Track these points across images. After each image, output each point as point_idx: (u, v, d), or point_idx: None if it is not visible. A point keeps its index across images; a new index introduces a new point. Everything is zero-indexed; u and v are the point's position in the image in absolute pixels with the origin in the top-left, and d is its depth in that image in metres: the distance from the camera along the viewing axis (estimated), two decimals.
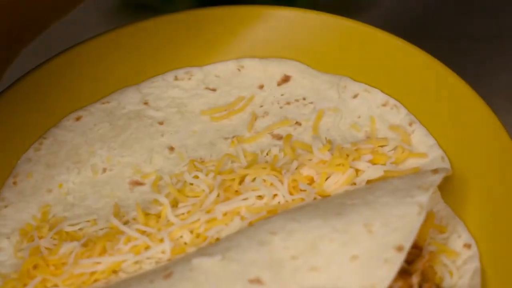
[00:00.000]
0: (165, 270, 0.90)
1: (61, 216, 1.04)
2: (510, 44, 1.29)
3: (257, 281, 0.87)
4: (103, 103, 1.15)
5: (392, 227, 0.88)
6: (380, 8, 1.35)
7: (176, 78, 1.17)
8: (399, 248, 0.86)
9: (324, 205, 0.94)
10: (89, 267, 0.94)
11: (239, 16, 1.18)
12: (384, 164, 1.02)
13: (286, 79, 1.16)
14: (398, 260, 0.86)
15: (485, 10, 1.35)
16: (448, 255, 0.95)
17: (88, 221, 1.02)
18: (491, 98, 1.09)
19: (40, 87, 1.13)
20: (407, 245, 0.87)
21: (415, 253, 0.92)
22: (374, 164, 1.02)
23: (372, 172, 1.01)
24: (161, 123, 1.13)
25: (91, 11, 1.21)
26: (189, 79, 1.17)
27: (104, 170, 1.08)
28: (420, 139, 1.06)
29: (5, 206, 1.05)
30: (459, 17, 1.35)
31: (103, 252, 0.95)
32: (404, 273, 0.88)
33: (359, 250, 0.87)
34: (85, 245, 0.97)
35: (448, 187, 1.00)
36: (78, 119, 1.13)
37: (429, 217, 0.96)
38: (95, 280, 0.94)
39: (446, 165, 1.03)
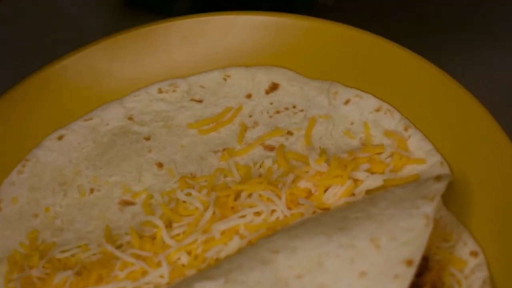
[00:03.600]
0: None
1: (50, 241, 0.99)
2: (510, 44, 1.27)
3: None
4: (86, 120, 1.11)
5: (400, 241, 0.86)
6: (379, 7, 1.32)
7: (160, 91, 1.13)
8: (409, 263, 0.84)
9: (326, 220, 0.91)
10: None
11: (223, 23, 1.15)
12: (383, 173, 1.00)
13: (274, 87, 1.13)
14: (408, 275, 0.83)
15: (485, 9, 1.33)
16: (455, 264, 0.92)
17: (80, 246, 0.98)
18: (491, 98, 1.06)
19: (18, 106, 1.09)
20: (417, 259, 0.84)
21: (422, 264, 0.89)
22: (372, 172, 1.00)
23: (371, 182, 0.98)
24: (147, 138, 1.09)
25: (93, 11, 1.17)
26: (174, 91, 1.14)
27: (92, 190, 1.04)
28: (417, 144, 1.04)
29: None
30: (458, 17, 1.32)
31: (99, 280, 0.91)
32: (414, 286, 0.86)
33: (367, 266, 0.84)
34: (79, 273, 0.93)
35: (448, 193, 0.96)
36: (60, 138, 1.09)
37: (433, 225, 0.93)
38: None
39: (446, 170, 1.00)
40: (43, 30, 1.13)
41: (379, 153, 1.03)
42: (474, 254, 0.93)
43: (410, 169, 1.02)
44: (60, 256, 0.96)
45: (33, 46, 1.06)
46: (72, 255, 0.97)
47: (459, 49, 1.28)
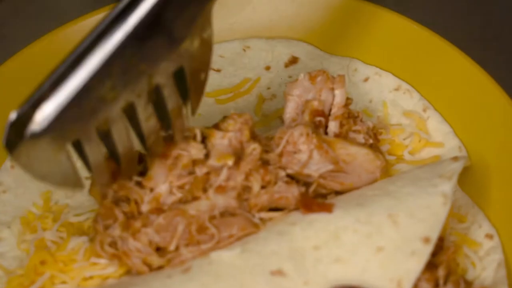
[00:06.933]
0: (183, 265, 0.87)
1: (63, 203, 0.98)
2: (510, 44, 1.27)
3: (279, 272, 0.83)
4: None
5: (418, 218, 0.86)
6: None
7: None
8: (426, 240, 0.84)
9: (344, 196, 0.92)
10: (100, 268, 0.89)
11: None
12: (402, 154, 1.00)
13: (294, 60, 1.13)
14: (425, 252, 0.83)
15: (485, 9, 1.33)
16: (470, 246, 0.92)
17: (93, 210, 0.95)
18: None
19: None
20: (434, 237, 0.84)
21: (438, 244, 0.89)
22: (391, 154, 1.00)
23: None
24: None
25: (90, 9, 1.17)
26: None
27: None
28: (435, 126, 1.03)
29: (4, 191, 1.00)
30: (459, 17, 1.32)
31: None
32: (429, 265, 0.86)
33: (385, 241, 0.84)
34: (93, 239, 0.90)
35: (464, 176, 0.96)
36: None
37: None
38: (107, 277, 0.89)
39: (463, 154, 1.00)
40: (41, 29, 1.13)
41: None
42: (489, 236, 0.93)
43: (427, 152, 1.01)
44: (74, 220, 0.95)
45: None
46: (86, 219, 0.95)
47: None
